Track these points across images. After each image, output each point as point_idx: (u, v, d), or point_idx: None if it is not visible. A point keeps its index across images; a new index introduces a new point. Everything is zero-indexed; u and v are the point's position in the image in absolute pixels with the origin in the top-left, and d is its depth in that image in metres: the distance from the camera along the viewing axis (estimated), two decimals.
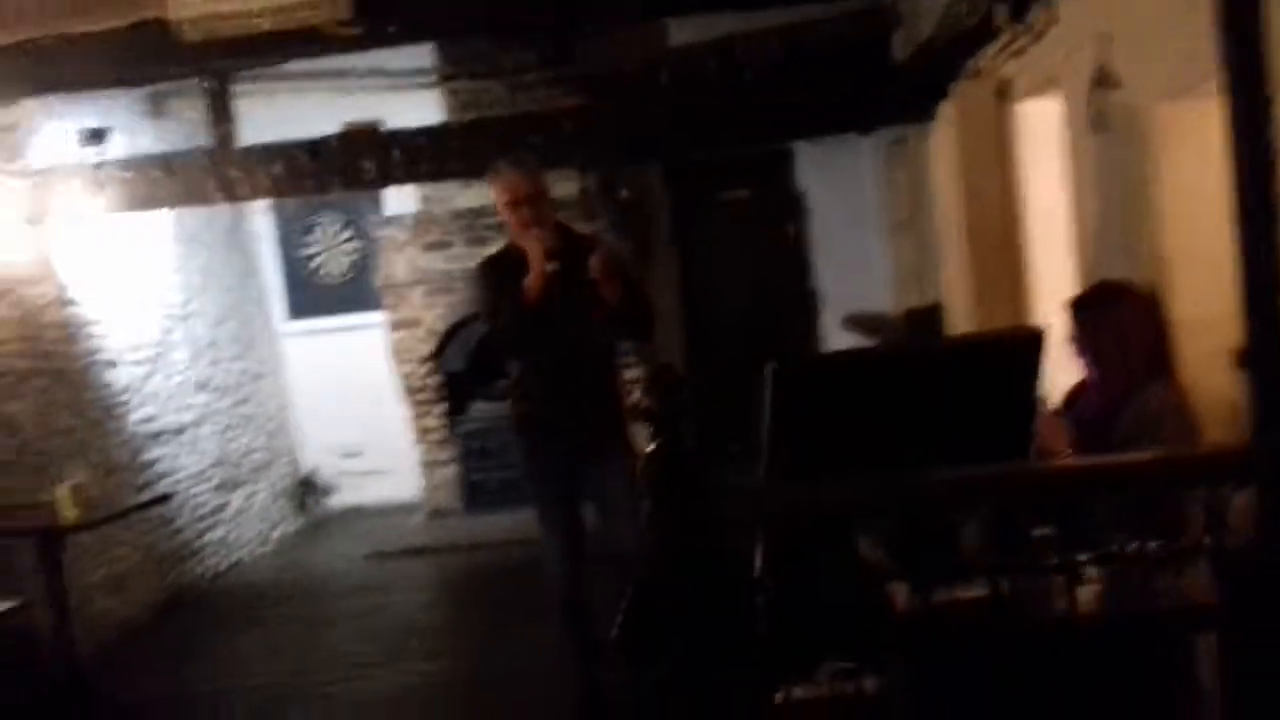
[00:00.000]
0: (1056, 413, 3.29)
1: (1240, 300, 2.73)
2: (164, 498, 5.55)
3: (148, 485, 6.11)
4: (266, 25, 2.94)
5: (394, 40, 3.54)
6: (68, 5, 3.12)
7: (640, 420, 2.31)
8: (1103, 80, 3.54)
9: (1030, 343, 2.54)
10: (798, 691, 2.73)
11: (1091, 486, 2.28)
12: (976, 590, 2.35)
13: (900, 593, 2.41)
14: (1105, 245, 3.73)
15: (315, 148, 5.69)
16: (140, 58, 3.35)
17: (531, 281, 3.64)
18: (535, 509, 3.81)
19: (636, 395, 2.24)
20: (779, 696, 2.75)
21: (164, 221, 6.70)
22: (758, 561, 2.55)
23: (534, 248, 3.66)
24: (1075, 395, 3.30)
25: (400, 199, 7.73)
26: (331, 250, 8.17)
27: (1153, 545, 2.25)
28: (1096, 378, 3.18)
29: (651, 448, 2.32)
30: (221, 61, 3.72)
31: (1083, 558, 2.27)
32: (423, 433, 7.47)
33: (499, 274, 3.80)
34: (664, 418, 2.31)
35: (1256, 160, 2.66)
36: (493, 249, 4.17)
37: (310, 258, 8.18)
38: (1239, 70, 2.69)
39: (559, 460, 3.71)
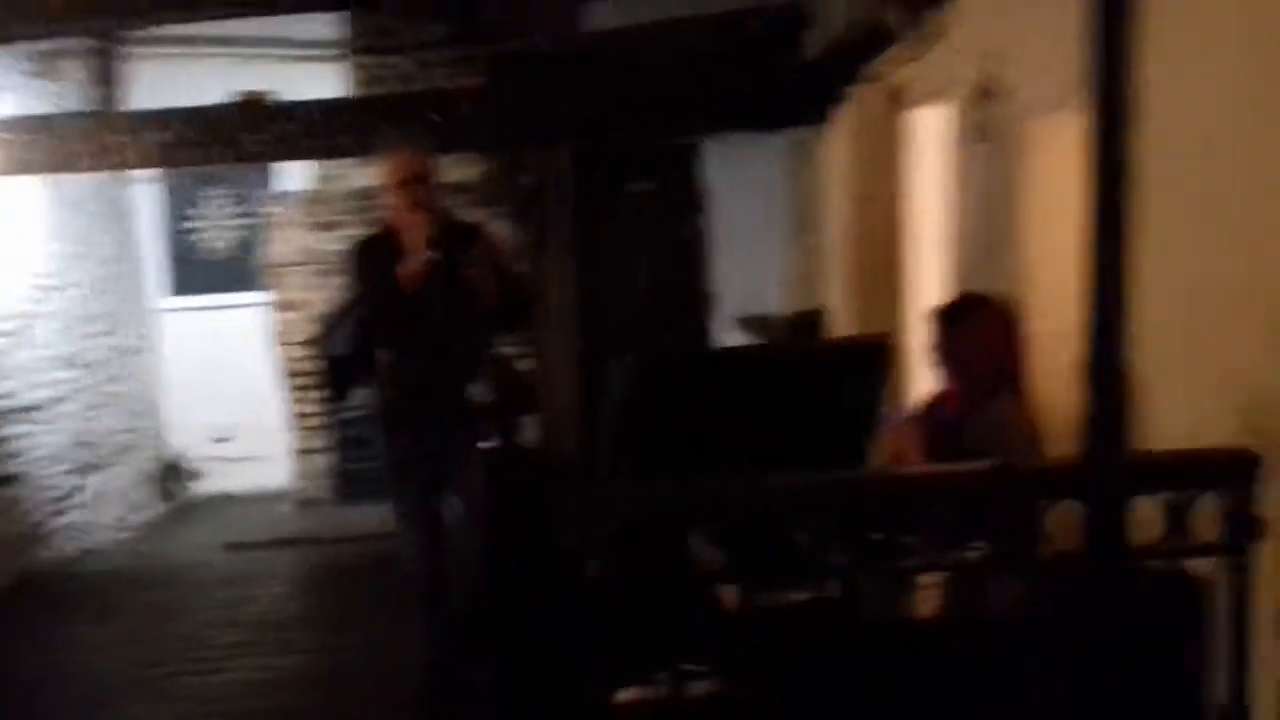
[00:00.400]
0: (914, 420, 3.30)
1: (1085, 312, 2.75)
2: (6, 479, 5.27)
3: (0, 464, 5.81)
4: None
5: (274, 8, 3.44)
6: None
7: (481, 416, 2.23)
8: (985, 92, 3.56)
9: (876, 351, 2.52)
10: (632, 693, 2.68)
11: (919, 496, 2.25)
12: (810, 593, 2.33)
13: (731, 594, 2.37)
14: (975, 256, 3.74)
15: (202, 116, 5.49)
16: (8, 16, 3.14)
17: (408, 268, 3.55)
18: (393, 502, 3.72)
19: (476, 391, 2.15)
20: (618, 697, 2.70)
21: (41, 186, 6.40)
22: (590, 561, 2.48)
23: (415, 234, 3.57)
24: (935, 403, 3.29)
25: (293, 175, 7.53)
26: (218, 225, 7.90)
27: (975, 553, 2.23)
28: (951, 385, 3.18)
29: (489, 445, 2.23)
30: (92, 22, 3.51)
31: (907, 563, 2.24)
32: (298, 419, 7.26)
33: (374, 256, 3.70)
34: (502, 414, 2.22)
35: (1110, 175, 2.66)
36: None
37: (195, 231, 7.90)
38: (1099, 85, 2.70)
39: (421, 453, 3.62)
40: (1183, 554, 2.21)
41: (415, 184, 3.61)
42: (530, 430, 4.71)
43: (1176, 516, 2.15)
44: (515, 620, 2.31)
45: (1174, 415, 2.57)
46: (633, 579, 2.43)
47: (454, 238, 3.62)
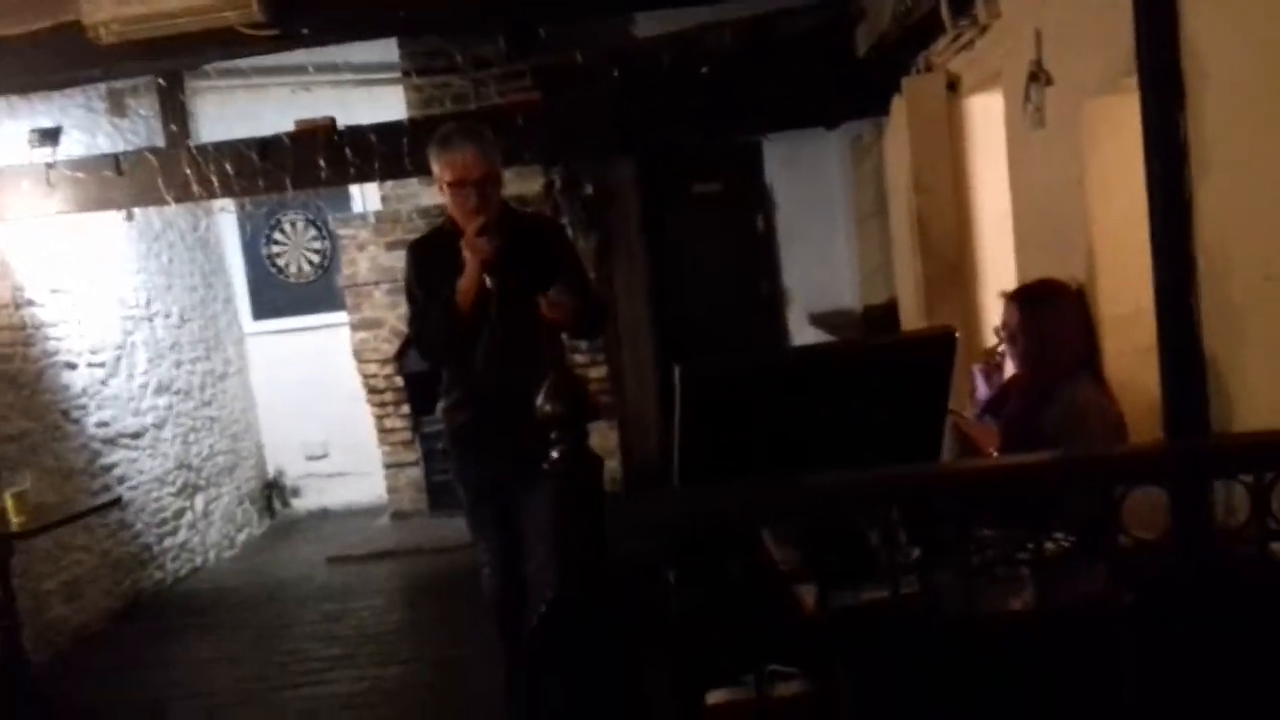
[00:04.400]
0: (988, 408, 3.29)
1: (1155, 298, 2.73)
2: (113, 502, 5.51)
3: (105, 490, 6.07)
4: (179, 27, 2.89)
5: (309, 41, 3.46)
6: None
7: (546, 429, 2.26)
8: (1037, 76, 3.53)
9: (941, 345, 2.52)
10: (721, 695, 2.72)
11: (995, 488, 2.26)
12: (888, 590, 2.34)
13: (809, 595, 2.40)
14: (1041, 241, 3.72)
15: (266, 146, 5.66)
16: (62, 60, 3.30)
17: (464, 289, 3.28)
18: (468, 520, 3.62)
19: (540, 401, 2.18)
20: (707, 700, 2.74)
21: (123, 220, 6.65)
22: (668, 567, 2.53)
23: (472, 260, 3.25)
24: (1003, 395, 3.29)
25: (366, 196, 7.71)
26: (297, 249, 8.12)
27: (1053, 544, 2.23)
28: (1025, 372, 3.17)
29: (554, 457, 2.28)
30: (138, 64, 3.67)
31: (981, 557, 2.25)
32: (386, 434, 7.44)
33: (432, 264, 3.39)
34: (567, 425, 2.26)
35: (1170, 157, 2.65)
36: None
37: (275, 257, 8.13)
38: (1154, 68, 2.68)
39: (490, 475, 3.46)
40: (1270, 538, 2.19)
41: (475, 187, 3.27)
42: (599, 438, 4.69)
43: (1260, 500, 2.12)
44: (595, 631, 2.36)
45: (1255, 395, 2.54)
46: (710, 583, 2.48)
47: (518, 238, 3.35)
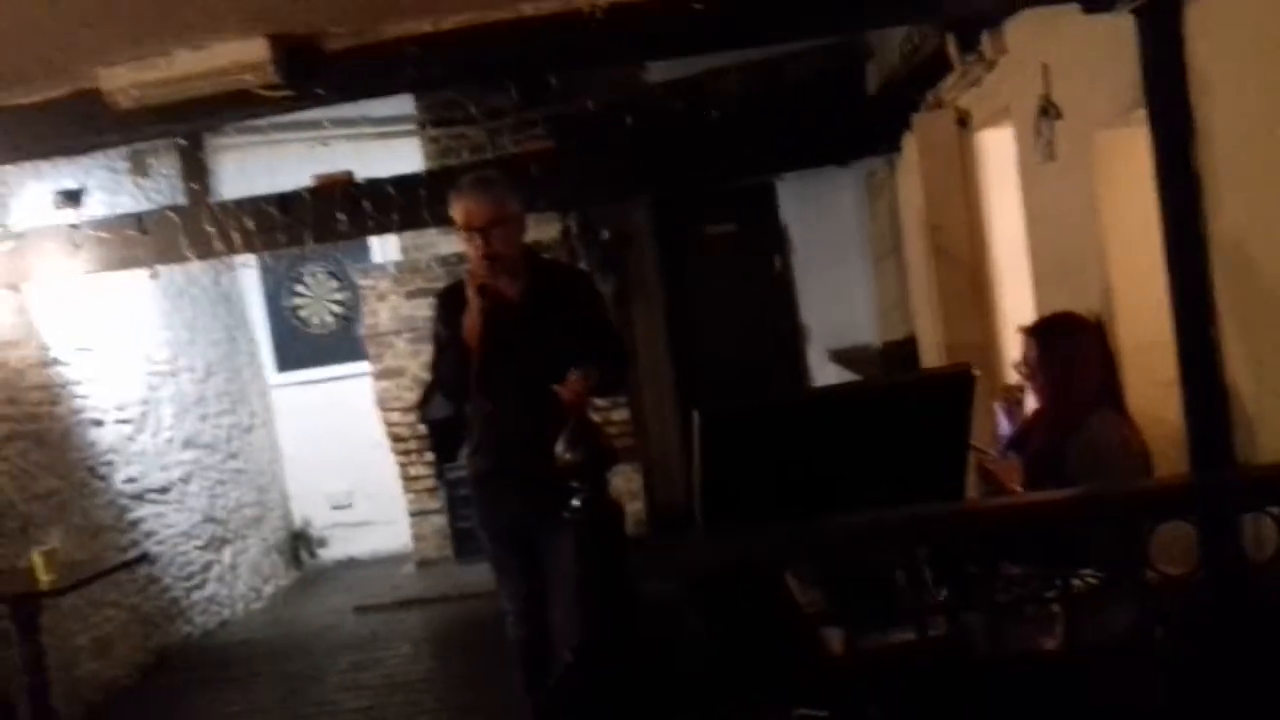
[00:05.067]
0: (1010, 443, 3.28)
1: (1175, 330, 2.73)
2: (142, 558, 5.53)
3: (134, 545, 6.09)
4: (196, 90, 2.95)
5: (324, 101, 3.51)
6: (5, 76, 3.14)
7: (564, 477, 2.27)
8: (1047, 110, 3.55)
9: (960, 383, 2.52)
10: None
11: (1020, 525, 2.25)
12: (915, 632, 2.33)
13: (835, 638, 2.39)
14: (1058, 274, 3.72)
15: (286, 201, 5.72)
16: (81, 127, 3.36)
17: (469, 326, 3.26)
18: (491, 567, 3.61)
19: (559, 449, 2.19)
20: None
21: (145, 278, 6.73)
22: (693, 612, 2.53)
23: (471, 289, 3.26)
24: (1025, 431, 3.27)
25: (386, 246, 7.78)
26: (318, 300, 8.20)
27: (1083, 581, 2.22)
28: (1046, 407, 3.16)
29: (575, 505, 2.29)
30: (157, 127, 3.74)
31: (1009, 595, 2.23)
32: (410, 482, 7.47)
33: (454, 306, 3.39)
34: (587, 473, 2.27)
35: (1182, 188, 2.66)
36: None
37: (298, 309, 8.21)
38: (1162, 100, 2.70)
39: (513, 521, 3.44)
40: None
41: (480, 232, 3.26)
42: (623, 480, 4.64)
43: None
44: (619, 677, 2.35)
45: (1279, 422, 2.53)
46: (735, 628, 2.47)
47: (545, 284, 3.37)
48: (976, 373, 2.53)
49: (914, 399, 2.57)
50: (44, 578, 4.49)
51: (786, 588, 2.52)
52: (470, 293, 3.28)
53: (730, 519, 2.48)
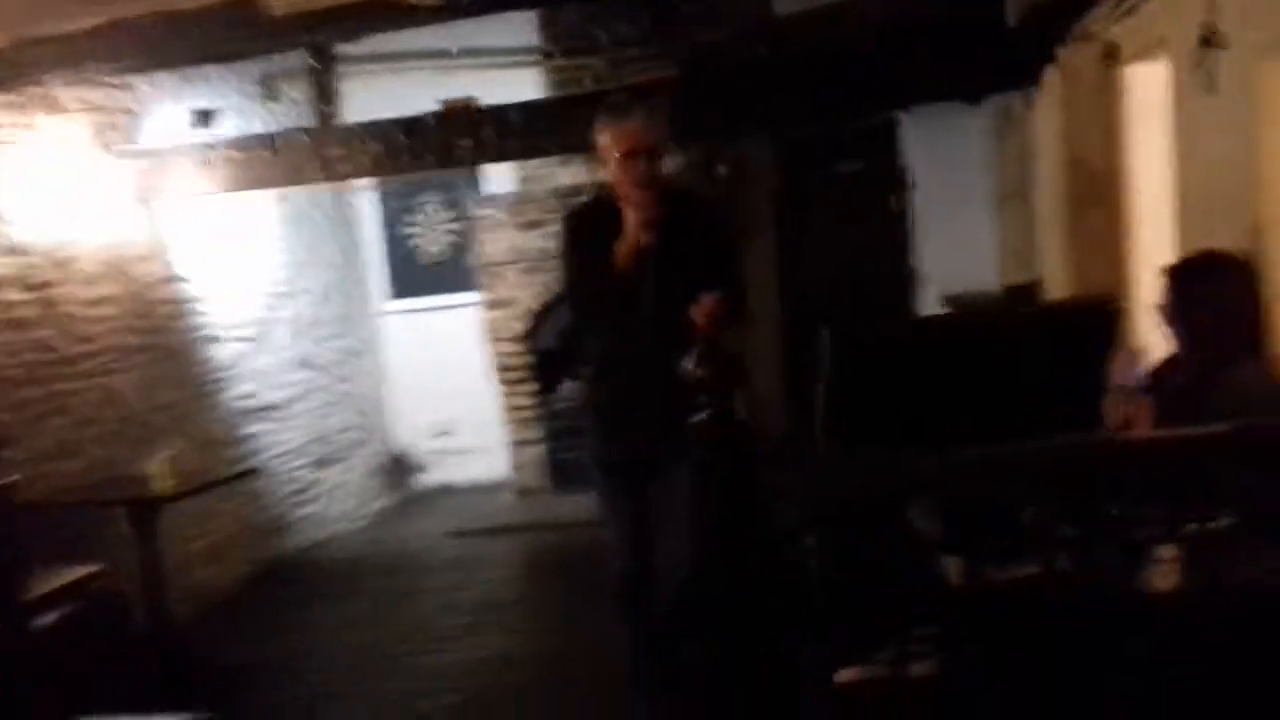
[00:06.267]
0: (1145, 388, 3.11)
1: None
2: (250, 472, 5.66)
3: (245, 459, 6.26)
4: None
5: (475, 11, 3.45)
6: None
7: (693, 391, 2.21)
8: (1210, 40, 3.33)
9: (1103, 314, 2.39)
10: (856, 672, 2.63)
11: (1156, 463, 2.12)
12: (1038, 567, 2.22)
13: (955, 568, 2.30)
14: (1208, 214, 3.51)
15: (411, 126, 5.72)
16: (233, 33, 3.37)
17: (623, 252, 3.27)
18: (599, 498, 3.58)
19: (688, 365, 2.14)
20: (839, 677, 2.66)
21: (270, 200, 6.85)
22: (810, 537, 2.46)
23: (634, 214, 3.26)
24: (1163, 371, 3.10)
25: (500, 178, 7.79)
26: (432, 230, 8.26)
27: (1219, 523, 2.08)
28: (1186, 350, 2.98)
29: (702, 418, 2.23)
30: (309, 36, 3.73)
31: (1142, 535, 2.11)
32: (512, 411, 7.51)
33: (593, 230, 3.38)
34: (715, 388, 2.21)
35: None
36: None
37: (411, 237, 8.29)
38: None
39: (629, 450, 3.41)
40: None
41: (645, 157, 3.25)
42: (742, 407, 4.60)
43: None
44: (732, 600, 2.31)
45: None
46: (853, 554, 2.40)
47: (679, 214, 3.34)
48: (1121, 304, 2.39)
49: (1053, 329, 2.45)
50: (163, 484, 4.63)
51: (905, 516, 2.43)
52: (631, 219, 3.26)
53: (856, 444, 2.39)
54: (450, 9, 3.24)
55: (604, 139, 3.33)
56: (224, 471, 5.59)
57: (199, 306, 6.19)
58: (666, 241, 3.29)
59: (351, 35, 5.38)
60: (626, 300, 3.31)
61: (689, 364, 2.19)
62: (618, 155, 3.28)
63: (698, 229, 3.40)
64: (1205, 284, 2.97)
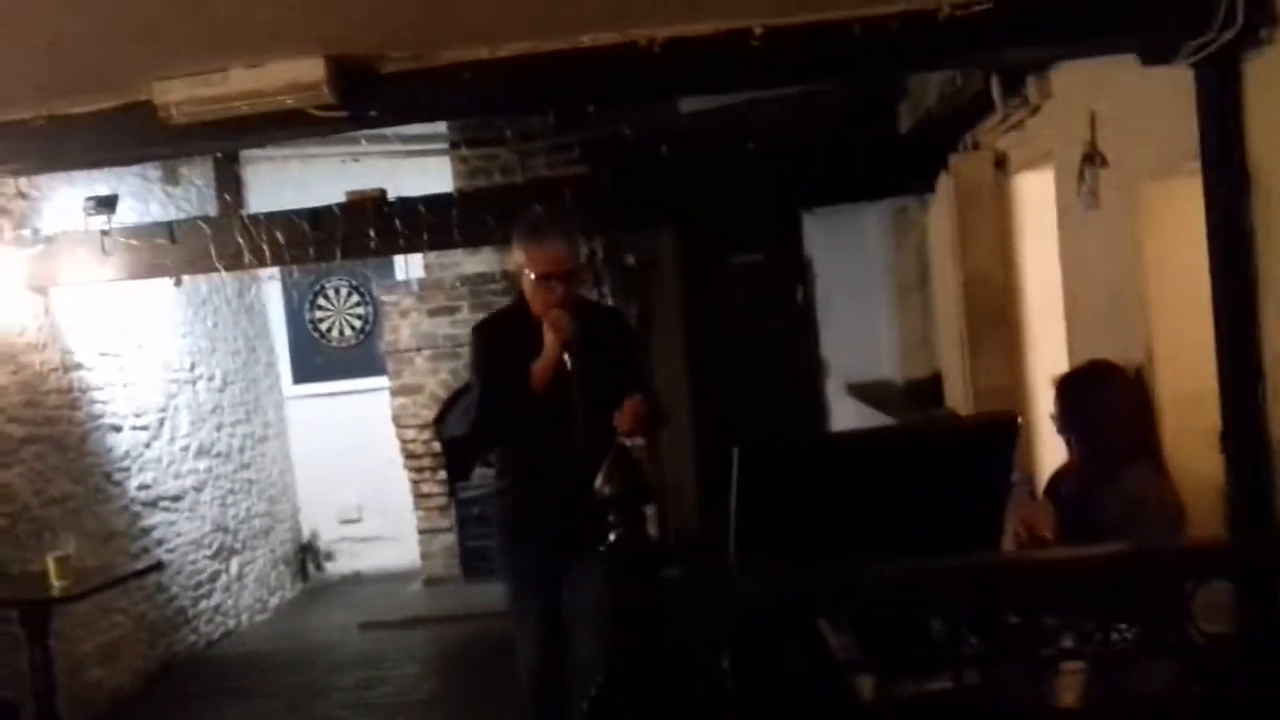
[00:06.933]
0: (1042, 495, 3.24)
1: (1220, 387, 2.70)
2: (154, 567, 5.50)
3: (145, 552, 6.07)
4: (248, 109, 2.95)
5: (377, 123, 3.51)
6: (61, 86, 3.14)
7: (604, 512, 2.25)
8: (1092, 158, 3.53)
9: (1004, 429, 2.50)
10: None
11: (1059, 579, 2.22)
12: (948, 682, 2.29)
13: (867, 684, 2.35)
14: (1095, 322, 3.69)
15: (317, 216, 5.71)
16: (129, 138, 3.35)
17: (540, 371, 3.28)
18: (509, 598, 3.54)
19: (597, 484, 2.18)
20: None
21: (172, 285, 6.73)
22: (720, 655, 2.48)
23: (553, 338, 3.27)
24: (1059, 477, 3.24)
25: (409, 264, 7.79)
26: (340, 314, 8.20)
27: (1121, 636, 2.18)
28: (1079, 457, 3.13)
29: (612, 538, 2.27)
30: (206, 143, 3.74)
31: (1049, 650, 2.20)
32: (421, 499, 7.44)
33: (506, 342, 3.41)
34: (625, 505, 2.25)
35: (1234, 245, 2.63)
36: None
37: (319, 322, 8.21)
38: (1218, 157, 2.68)
39: (540, 563, 3.41)
40: None
41: (562, 280, 3.30)
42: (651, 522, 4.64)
43: None
44: (649, 714, 2.32)
45: None
46: (765, 671, 2.43)
47: (592, 326, 3.36)
48: (1021, 420, 2.50)
49: (956, 444, 2.55)
50: (57, 584, 4.47)
51: (818, 631, 2.48)
52: (549, 343, 3.27)
53: (767, 561, 2.45)
54: (354, 119, 3.27)
55: (521, 258, 3.37)
56: (122, 568, 5.42)
57: (96, 395, 6.03)
58: (582, 359, 3.29)
59: (253, 144, 5.38)
60: (544, 418, 3.31)
61: (598, 482, 2.23)
62: (535, 276, 3.32)
63: (612, 343, 3.45)
64: (1093, 393, 3.13)
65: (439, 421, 7.41)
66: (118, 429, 6.16)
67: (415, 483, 7.47)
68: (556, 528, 3.33)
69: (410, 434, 7.42)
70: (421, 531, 7.51)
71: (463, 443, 7.25)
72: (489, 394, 3.45)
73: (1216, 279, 2.64)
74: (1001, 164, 4.74)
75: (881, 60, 3.14)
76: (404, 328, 7.41)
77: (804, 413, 7.67)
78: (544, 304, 3.32)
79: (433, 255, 7.54)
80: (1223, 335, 2.62)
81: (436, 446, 7.41)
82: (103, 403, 6.07)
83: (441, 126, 7.28)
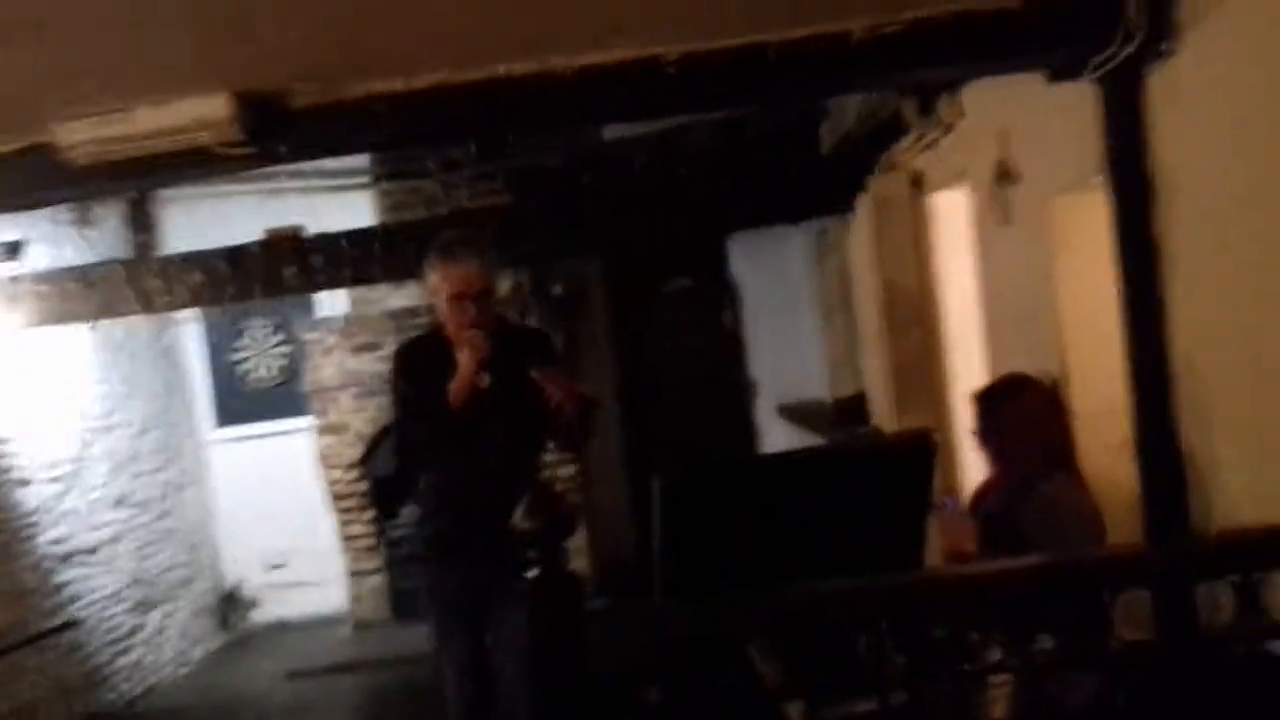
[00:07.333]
0: (964, 511, 3.26)
1: (1131, 397, 2.73)
2: (68, 624, 5.30)
3: (59, 609, 5.86)
4: (155, 148, 2.85)
5: (287, 160, 3.42)
6: None
7: (524, 545, 2.20)
8: (1003, 175, 3.58)
9: (921, 447, 2.50)
10: None
11: (980, 594, 2.22)
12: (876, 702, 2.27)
13: (796, 711, 2.33)
14: (1012, 336, 3.74)
15: (235, 256, 5.59)
16: (33, 182, 3.23)
17: (457, 390, 3.22)
18: (434, 632, 3.49)
19: (517, 518, 2.15)
20: None
21: (84, 330, 6.54)
22: (647, 686, 2.44)
23: (467, 355, 3.22)
24: (985, 489, 3.26)
25: (333, 300, 7.66)
26: (262, 354, 8.03)
27: (1043, 648, 2.18)
28: (999, 470, 3.15)
29: (532, 574, 2.22)
30: (113, 184, 3.63)
31: (973, 665, 2.19)
32: (349, 541, 7.29)
33: (422, 367, 3.35)
34: (545, 542, 2.21)
35: (1140, 256, 2.67)
36: None
37: (240, 362, 8.04)
38: (1122, 170, 2.72)
39: (464, 589, 3.38)
40: (1262, 635, 2.15)
41: (474, 300, 3.26)
42: (576, 554, 4.60)
43: (1249, 598, 2.08)
44: None
45: (1234, 488, 2.52)
46: (693, 701, 2.40)
47: (510, 348, 3.31)
48: (938, 439, 2.51)
49: (875, 464, 2.55)
50: None
51: (747, 657, 2.45)
52: (463, 361, 3.22)
53: (690, 586, 2.42)
54: (263, 156, 3.19)
55: (433, 279, 3.33)
56: (35, 624, 5.22)
57: (5, 447, 5.83)
58: (499, 380, 3.27)
59: (160, 184, 5.26)
60: (462, 439, 3.28)
61: (519, 516, 2.19)
62: (447, 296, 3.28)
63: (535, 363, 3.36)
64: (1009, 406, 3.16)
65: (366, 459, 7.26)
66: (27, 482, 5.94)
67: (343, 524, 7.32)
68: (480, 545, 3.30)
69: (336, 474, 7.28)
70: (350, 574, 7.36)
71: (391, 481, 7.11)
72: (406, 416, 3.42)
73: (1123, 289, 2.67)
74: (918, 183, 4.80)
75: (796, 84, 3.14)
76: (327, 366, 7.28)
77: (736, 435, 7.67)
78: (457, 325, 3.27)
79: (357, 291, 7.43)
80: (1131, 346, 2.65)
81: (363, 487, 7.27)
82: (12, 455, 5.86)
83: (363, 160, 7.20)
